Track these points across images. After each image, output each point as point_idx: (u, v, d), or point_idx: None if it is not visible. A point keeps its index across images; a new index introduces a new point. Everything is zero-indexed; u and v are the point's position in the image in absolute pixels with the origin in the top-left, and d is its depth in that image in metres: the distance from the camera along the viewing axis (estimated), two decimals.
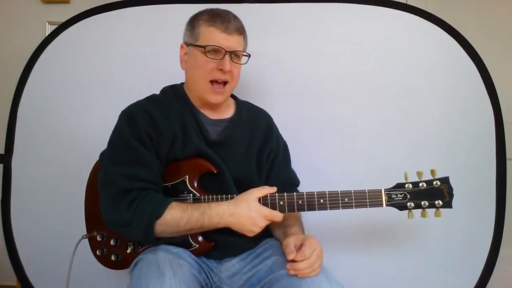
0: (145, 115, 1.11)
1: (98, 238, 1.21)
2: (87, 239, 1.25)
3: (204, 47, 1.11)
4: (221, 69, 1.11)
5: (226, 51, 1.11)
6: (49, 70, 1.59)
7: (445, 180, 1.08)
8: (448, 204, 1.07)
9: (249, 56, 1.17)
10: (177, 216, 1.03)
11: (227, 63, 1.10)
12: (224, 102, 1.21)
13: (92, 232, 1.23)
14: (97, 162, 1.28)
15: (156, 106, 1.15)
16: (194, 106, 1.18)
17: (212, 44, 1.10)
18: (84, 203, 1.28)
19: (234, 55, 1.13)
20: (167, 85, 1.25)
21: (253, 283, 1.08)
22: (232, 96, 1.29)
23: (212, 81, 1.13)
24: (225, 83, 1.14)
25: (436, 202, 1.07)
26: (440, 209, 1.07)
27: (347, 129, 1.54)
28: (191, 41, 1.15)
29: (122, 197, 1.03)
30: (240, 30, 1.15)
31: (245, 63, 1.18)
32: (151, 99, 1.19)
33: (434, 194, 1.07)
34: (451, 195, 1.07)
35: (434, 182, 1.07)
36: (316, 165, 1.50)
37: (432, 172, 1.08)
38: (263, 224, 1.05)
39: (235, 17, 1.15)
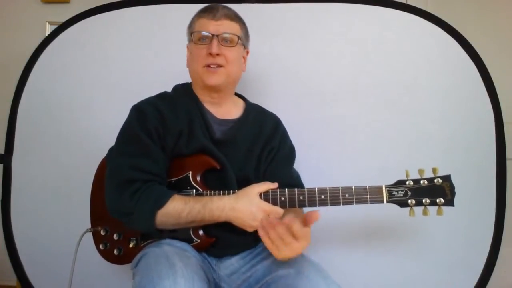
0: (154, 111, 1.14)
1: (102, 233, 1.23)
2: (90, 233, 1.26)
3: (191, 34, 1.17)
4: (210, 53, 1.13)
5: (213, 35, 1.13)
6: (49, 70, 1.59)
7: (447, 178, 1.07)
8: (450, 202, 1.06)
9: (239, 38, 1.17)
10: (178, 207, 1.04)
11: (214, 46, 1.12)
12: (229, 94, 1.23)
13: (96, 227, 1.24)
14: (105, 157, 1.28)
15: (165, 102, 1.18)
16: (202, 104, 1.20)
17: (198, 30, 1.15)
18: (90, 197, 1.29)
19: (225, 40, 1.15)
20: (166, 85, 1.26)
21: (251, 284, 1.08)
22: (242, 97, 1.31)
23: (207, 66, 1.15)
24: (220, 66, 1.15)
25: (438, 199, 1.06)
26: (442, 207, 1.06)
27: (347, 129, 1.54)
28: (189, 37, 1.21)
29: (126, 187, 1.06)
30: (231, 17, 1.18)
31: (235, 46, 1.16)
32: (161, 96, 1.22)
33: (436, 191, 1.06)
34: (453, 193, 1.07)
35: (436, 180, 1.07)
36: (316, 165, 1.50)
37: (434, 170, 1.08)
38: None
39: (225, 7, 1.19)
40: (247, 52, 1.26)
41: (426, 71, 1.55)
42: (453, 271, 1.48)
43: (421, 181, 1.07)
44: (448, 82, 1.54)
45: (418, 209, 1.08)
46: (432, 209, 1.08)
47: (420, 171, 1.07)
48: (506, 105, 1.55)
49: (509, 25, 1.91)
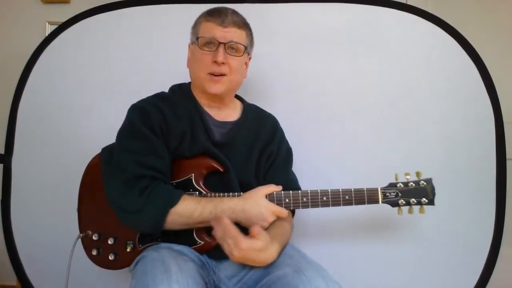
0: (156, 110, 1.13)
1: (94, 238, 1.19)
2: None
3: (197, 39, 1.14)
4: (215, 61, 1.11)
5: (220, 43, 1.12)
6: (49, 70, 1.59)
7: (429, 181, 1.20)
8: (431, 202, 1.19)
9: (246, 48, 1.16)
10: (191, 207, 1.04)
11: (220, 54, 1.11)
12: (229, 100, 1.22)
13: (87, 232, 1.21)
14: (92, 160, 1.28)
15: (165, 103, 1.16)
16: (200, 106, 1.19)
17: (204, 36, 1.13)
18: (78, 202, 1.27)
19: (231, 48, 1.13)
20: (166, 85, 1.26)
21: (250, 285, 1.07)
22: (240, 99, 1.30)
23: (210, 74, 1.14)
24: (222, 75, 1.14)
25: (422, 199, 1.19)
26: (424, 206, 1.19)
27: (347, 129, 1.54)
28: (193, 39, 1.18)
29: (134, 183, 1.04)
30: (239, 24, 1.15)
31: (241, 55, 1.16)
32: (160, 96, 1.20)
33: (420, 192, 1.19)
34: (433, 194, 1.19)
35: (421, 182, 1.19)
36: (315, 165, 1.50)
37: (418, 174, 1.19)
38: (271, 219, 1.08)
39: (234, 12, 1.17)
40: (250, 58, 1.25)
41: (426, 71, 1.55)
42: (453, 271, 1.48)
43: (409, 184, 1.20)
44: (448, 82, 1.54)
45: (404, 208, 1.20)
46: (416, 208, 1.20)
47: (406, 174, 1.20)
48: (506, 105, 1.55)
49: (509, 25, 1.91)
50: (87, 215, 1.24)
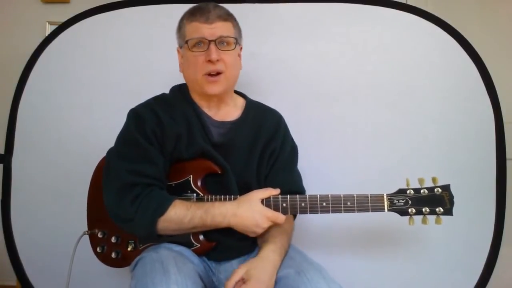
0: (151, 115, 1.12)
1: (99, 236, 1.22)
2: (87, 236, 1.25)
3: (186, 42, 1.11)
4: (209, 60, 1.09)
5: (210, 41, 1.09)
6: (49, 70, 1.59)
7: (446, 188, 1.09)
8: (449, 212, 1.09)
9: (236, 40, 1.13)
10: (180, 213, 1.04)
11: (213, 52, 1.08)
12: (228, 97, 1.20)
13: (94, 230, 1.23)
14: (102, 160, 1.28)
15: (163, 105, 1.15)
16: (199, 107, 1.17)
17: (192, 37, 1.10)
18: (87, 200, 1.28)
19: (222, 42, 1.11)
20: (166, 85, 1.26)
21: None
22: (242, 95, 1.28)
23: (207, 75, 1.11)
24: (219, 73, 1.11)
25: (437, 209, 1.08)
26: (441, 216, 1.09)
27: (347, 129, 1.54)
28: (181, 42, 1.16)
29: (127, 192, 1.05)
30: (224, 17, 1.12)
31: (234, 49, 1.13)
32: (159, 98, 1.20)
33: (435, 201, 1.08)
34: (451, 203, 1.09)
35: (436, 189, 1.09)
36: (316, 165, 1.49)
37: (434, 179, 1.09)
38: (265, 225, 1.05)
39: (216, 6, 1.13)
40: (241, 48, 1.22)
41: (426, 71, 1.54)
42: (453, 272, 1.48)
43: (422, 191, 1.09)
44: (448, 82, 1.54)
45: (417, 218, 1.10)
46: (431, 218, 1.10)
47: (420, 180, 1.09)
48: (506, 105, 1.55)
49: (509, 25, 1.91)
50: (94, 213, 1.26)
